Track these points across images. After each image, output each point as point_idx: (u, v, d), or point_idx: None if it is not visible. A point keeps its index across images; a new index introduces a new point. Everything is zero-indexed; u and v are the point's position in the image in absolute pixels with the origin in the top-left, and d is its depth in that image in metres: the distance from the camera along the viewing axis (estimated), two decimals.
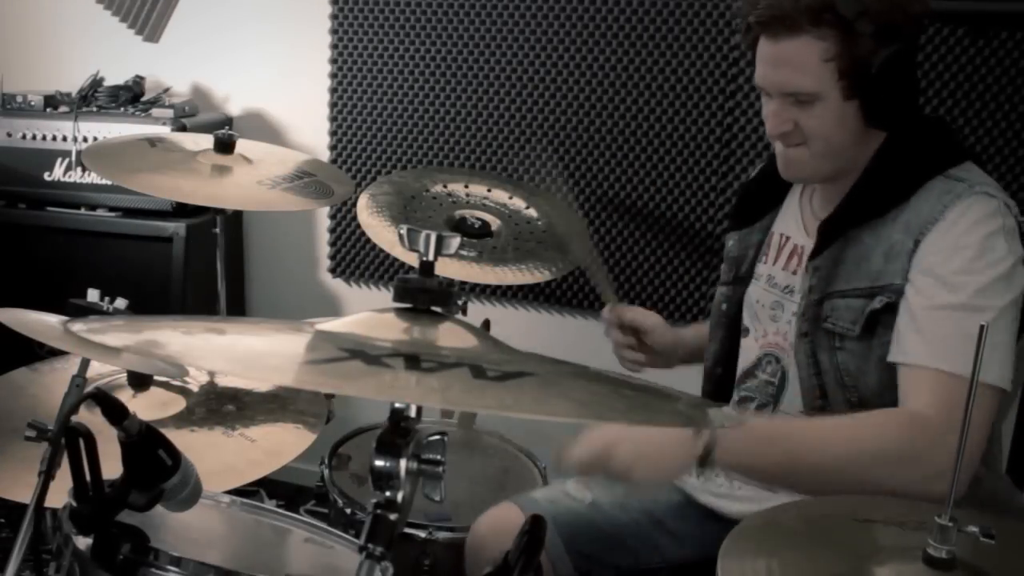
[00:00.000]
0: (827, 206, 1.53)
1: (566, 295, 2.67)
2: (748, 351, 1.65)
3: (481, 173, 2.57)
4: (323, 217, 2.91)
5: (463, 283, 2.27)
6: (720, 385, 1.70)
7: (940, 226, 1.38)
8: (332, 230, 2.90)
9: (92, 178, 2.67)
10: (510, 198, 2.30)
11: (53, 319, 1.56)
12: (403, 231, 1.02)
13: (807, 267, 1.50)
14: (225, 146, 2.19)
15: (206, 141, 2.22)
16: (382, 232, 2.15)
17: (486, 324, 2.28)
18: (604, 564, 1.61)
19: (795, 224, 1.61)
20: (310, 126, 2.86)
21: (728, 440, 1.33)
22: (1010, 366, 1.35)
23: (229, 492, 1.43)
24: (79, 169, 2.69)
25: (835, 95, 1.40)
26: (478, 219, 2.23)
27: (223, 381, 1.84)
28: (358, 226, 2.83)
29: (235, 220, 2.93)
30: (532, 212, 2.29)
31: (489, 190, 2.30)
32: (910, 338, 1.37)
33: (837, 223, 1.48)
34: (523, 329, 2.69)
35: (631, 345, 1.86)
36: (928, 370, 1.34)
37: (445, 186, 2.29)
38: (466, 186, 2.31)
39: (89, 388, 1.55)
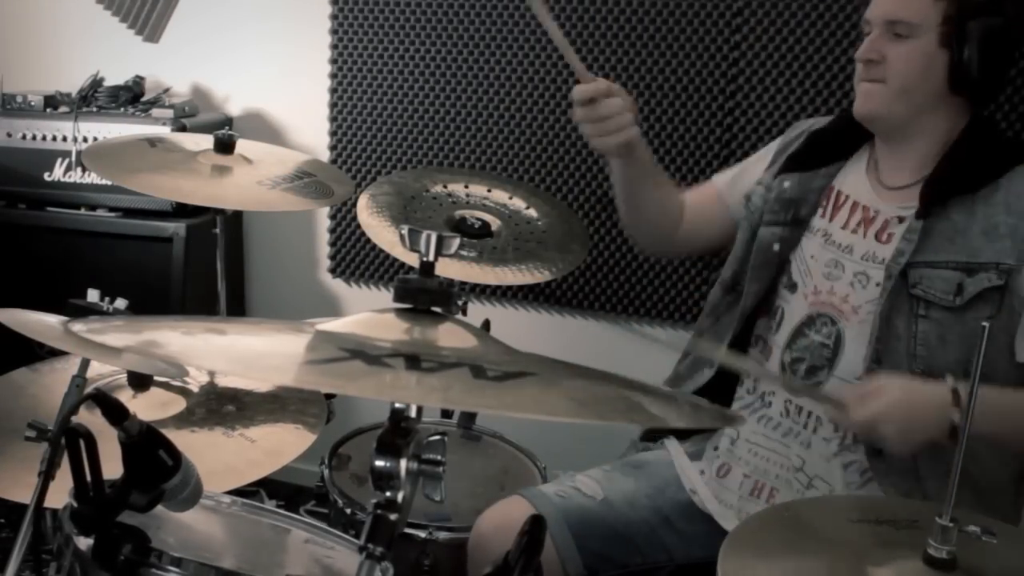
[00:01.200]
0: (895, 174, 1.57)
1: (566, 295, 2.66)
2: (796, 308, 1.62)
3: (481, 173, 2.57)
4: (323, 217, 2.91)
5: (463, 283, 2.27)
6: (749, 330, 1.68)
7: None
8: (332, 230, 2.90)
9: (92, 178, 2.67)
10: (510, 198, 2.30)
11: (53, 319, 1.56)
12: (404, 231, 1.02)
13: (907, 229, 1.51)
14: (225, 146, 2.19)
15: (206, 141, 2.22)
16: (382, 232, 2.15)
17: (486, 324, 2.28)
18: (613, 562, 1.61)
19: (863, 187, 1.61)
20: (310, 126, 2.86)
21: (982, 413, 1.31)
22: None
23: (229, 492, 1.43)
24: (79, 169, 2.69)
25: (931, 37, 1.47)
26: (478, 219, 2.23)
27: (223, 381, 1.84)
28: (358, 226, 2.82)
29: (235, 220, 2.93)
30: (532, 212, 2.29)
31: (489, 190, 2.31)
32: None
33: (940, 187, 1.50)
34: (523, 329, 2.69)
35: (594, 122, 1.68)
36: None
37: (445, 186, 2.29)
38: (466, 186, 2.31)
39: (89, 388, 1.55)
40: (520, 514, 1.61)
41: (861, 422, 1.41)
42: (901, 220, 1.54)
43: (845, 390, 1.49)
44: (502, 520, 1.61)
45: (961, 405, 1.35)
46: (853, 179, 1.63)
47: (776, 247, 1.65)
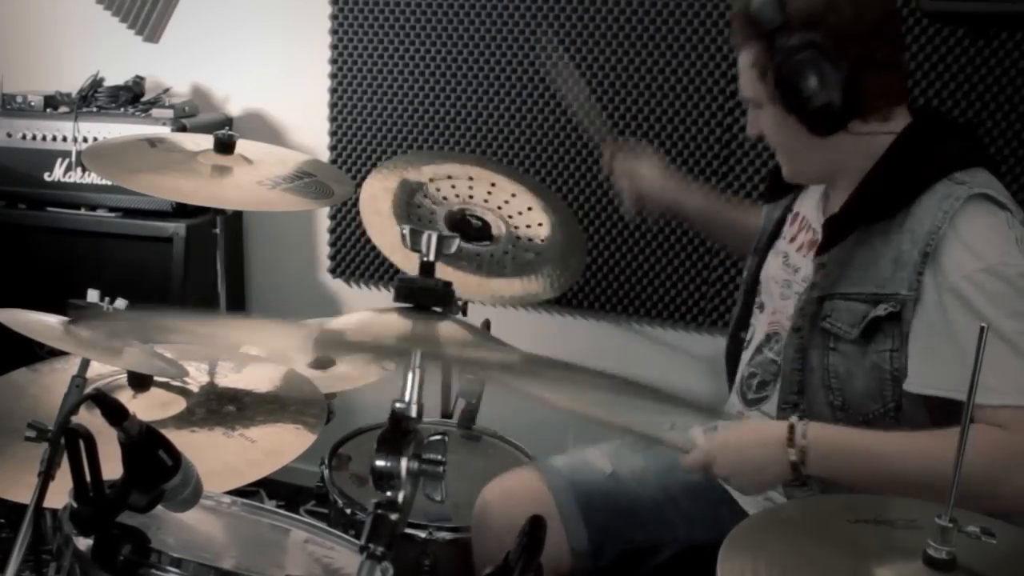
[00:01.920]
0: (836, 202, 1.56)
1: (566, 295, 2.66)
2: (759, 326, 1.68)
3: (486, 161, 2.52)
4: (323, 217, 2.91)
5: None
6: (740, 347, 1.73)
7: (948, 242, 1.38)
8: (332, 230, 2.90)
9: (92, 178, 2.67)
10: (513, 195, 2.26)
11: (53, 319, 1.56)
12: (406, 231, 1.02)
13: (814, 262, 1.52)
14: (225, 146, 2.19)
15: (206, 141, 2.22)
16: (381, 228, 2.12)
17: (486, 324, 2.28)
18: (618, 537, 1.63)
19: (814, 209, 1.63)
20: (310, 126, 2.86)
21: (821, 455, 1.39)
22: None
23: (229, 492, 1.43)
24: (79, 169, 2.69)
25: (766, 101, 1.49)
26: (479, 219, 2.22)
27: (223, 381, 1.84)
28: (358, 226, 2.83)
29: (235, 220, 2.93)
30: (535, 216, 2.24)
31: (493, 184, 2.26)
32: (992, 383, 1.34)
33: (842, 221, 1.49)
34: (523, 329, 2.69)
35: (626, 187, 1.97)
36: (1003, 408, 1.34)
37: (449, 177, 2.25)
38: (470, 178, 2.26)
39: (89, 389, 1.55)
40: (528, 484, 1.65)
41: (692, 464, 1.48)
42: None
43: (692, 433, 1.54)
44: (510, 489, 1.64)
45: (796, 444, 1.39)
46: (810, 201, 1.67)
47: (744, 272, 1.76)
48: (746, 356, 1.70)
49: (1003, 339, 1.32)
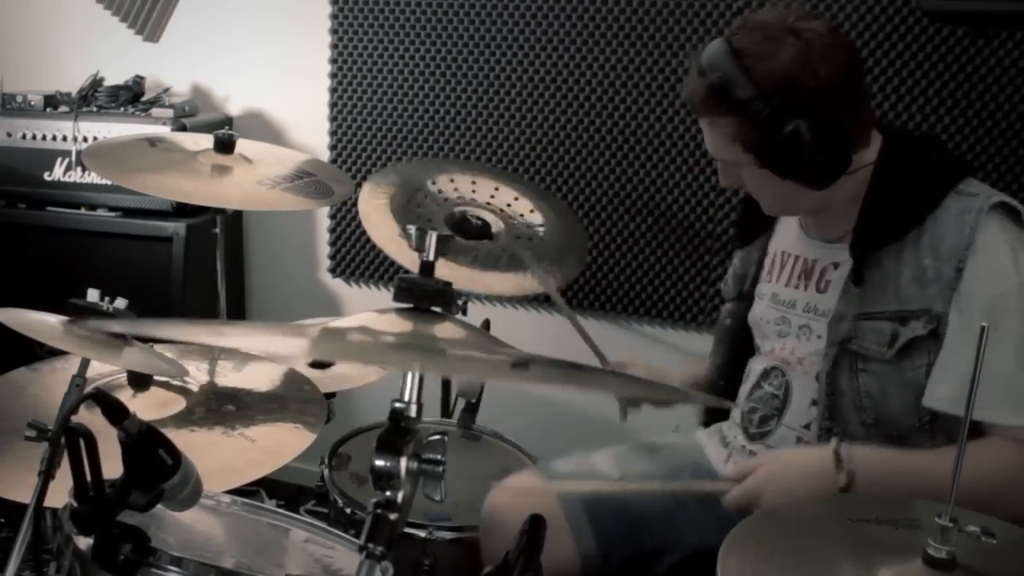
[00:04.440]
0: (829, 228, 1.56)
1: (566, 295, 2.66)
2: (756, 366, 1.68)
3: (492, 169, 2.52)
4: (323, 217, 2.91)
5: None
6: (721, 393, 1.73)
7: (977, 256, 1.39)
8: (332, 230, 2.90)
9: (92, 178, 2.67)
10: (516, 199, 2.26)
11: (53, 319, 1.56)
12: (412, 231, 1.03)
13: (843, 290, 1.51)
14: (225, 146, 2.19)
15: (206, 141, 2.22)
16: (380, 223, 2.11)
17: (486, 324, 2.28)
18: (625, 542, 1.63)
19: (800, 241, 1.63)
20: (310, 126, 2.86)
21: (869, 477, 1.39)
22: None
23: (229, 492, 1.43)
24: (79, 169, 2.69)
25: (752, 165, 1.45)
26: (479, 219, 2.21)
27: (223, 381, 1.84)
28: (358, 226, 2.83)
29: (235, 220, 2.93)
30: (536, 217, 2.24)
31: (497, 188, 2.25)
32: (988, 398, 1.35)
33: (866, 245, 1.48)
34: (523, 329, 2.69)
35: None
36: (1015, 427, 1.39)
37: (451, 180, 2.25)
38: (473, 182, 2.26)
39: (89, 388, 1.55)
40: (535, 489, 1.65)
41: (737, 504, 1.45)
42: (836, 266, 1.54)
43: (728, 468, 1.54)
44: (517, 493, 1.64)
45: (843, 466, 1.38)
46: (789, 237, 1.66)
47: (728, 322, 1.75)
48: (744, 391, 1.69)
49: None
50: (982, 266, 1.38)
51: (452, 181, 2.25)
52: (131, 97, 2.78)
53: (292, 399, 1.79)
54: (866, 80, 1.55)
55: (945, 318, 1.40)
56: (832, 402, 1.51)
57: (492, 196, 2.22)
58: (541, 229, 2.22)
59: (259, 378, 1.86)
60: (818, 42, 1.39)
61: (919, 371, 1.43)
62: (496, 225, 2.20)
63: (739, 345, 1.73)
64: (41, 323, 1.55)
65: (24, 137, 2.72)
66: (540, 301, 2.72)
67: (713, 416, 1.81)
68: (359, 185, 2.70)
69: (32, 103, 2.75)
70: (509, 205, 2.22)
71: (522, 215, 2.22)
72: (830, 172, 1.42)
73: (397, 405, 0.97)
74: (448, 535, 1.76)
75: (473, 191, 2.23)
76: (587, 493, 1.64)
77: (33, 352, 1.67)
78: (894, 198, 1.46)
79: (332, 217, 2.89)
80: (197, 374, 1.83)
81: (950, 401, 1.39)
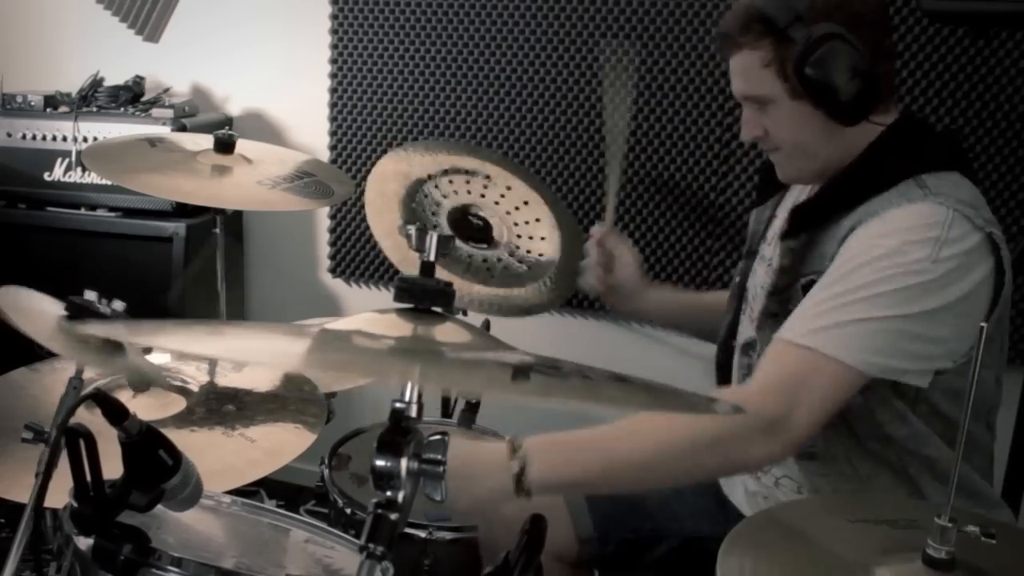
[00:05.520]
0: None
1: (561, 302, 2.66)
2: (745, 328, 1.68)
3: (511, 163, 2.45)
4: (323, 217, 2.91)
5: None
6: (730, 356, 1.72)
7: (872, 222, 1.40)
8: (332, 230, 2.90)
9: (92, 178, 2.67)
10: (525, 203, 2.21)
11: (51, 305, 1.54)
12: (411, 231, 1.03)
13: (780, 246, 1.53)
14: (225, 146, 2.19)
15: (206, 141, 2.22)
16: (384, 211, 2.09)
17: (486, 324, 2.28)
18: (623, 526, 1.63)
19: None
20: (310, 126, 2.86)
21: (540, 457, 1.34)
22: (883, 357, 1.36)
23: (229, 492, 1.43)
24: (79, 169, 2.69)
25: (784, 97, 1.46)
26: (481, 219, 2.20)
27: (223, 381, 1.84)
28: (358, 226, 2.83)
29: (235, 220, 2.93)
30: (540, 228, 2.20)
31: (509, 188, 2.22)
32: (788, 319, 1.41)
33: (807, 211, 1.51)
34: (523, 329, 2.68)
35: (599, 267, 1.92)
36: (779, 341, 1.40)
37: (466, 172, 2.18)
38: (488, 176, 2.20)
39: (89, 388, 1.54)
40: None
41: None
42: None
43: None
44: None
45: (516, 456, 1.34)
46: (791, 203, 1.66)
47: (737, 278, 1.75)
48: (735, 360, 1.70)
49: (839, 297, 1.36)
50: (867, 228, 1.39)
51: (467, 173, 2.18)
52: (131, 97, 2.78)
53: (292, 399, 1.79)
54: (894, 41, 1.56)
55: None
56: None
57: (502, 196, 2.18)
58: (543, 245, 2.18)
59: (259, 378, 1.86)
60: None
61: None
62: (499, 231, 2.18)
63: (742, 303, 1.73)
64: (39, 312, 1.53)
65: (24, 137, 2.72)
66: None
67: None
68: (359, 186, 2.71)
69: (32, 103, 2.75)
70: (517, 209, 2.19)
71: (527, 223, 2.20)
72: (858, 106, 1.43)
73: (397, 405, 0.97)
74: (448, 535, 1.76)
75: (484, 187, 2.18)
76: None
77: (33, 352, 1.67)
78: (861, 172, 1.47)
79: (332, 217, 2.89)
80: (197, 374, 1.83)
81: (787, 328, 1.41)
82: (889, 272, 1.35)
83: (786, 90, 1.45)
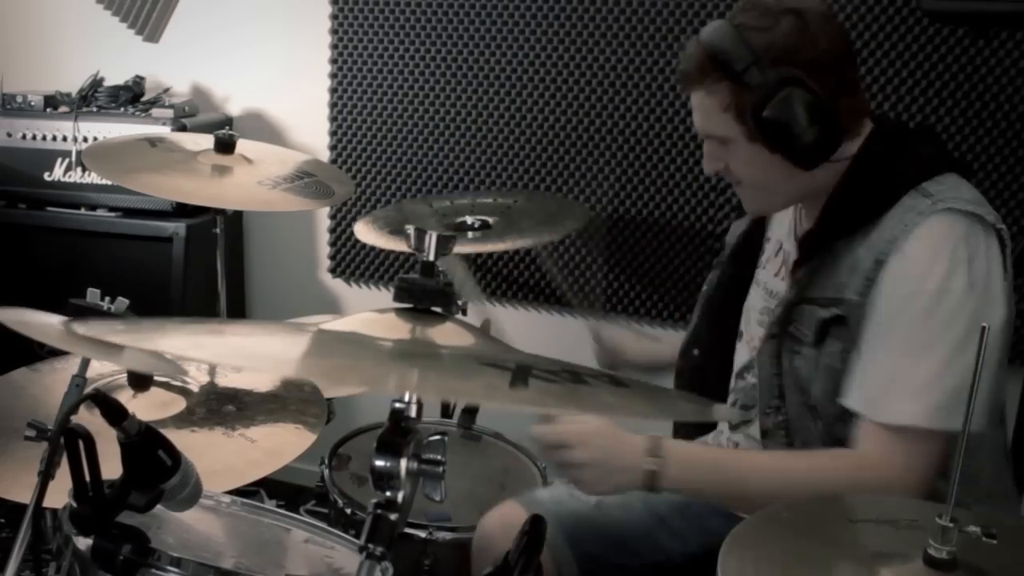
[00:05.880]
0: (810, 220, 1.56)
1: (566, 295, 2.67)
2: (740, 354, 1.68)
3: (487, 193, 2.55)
4: (323, 217, 2.91)
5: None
6: (689, 363, 1.75)
7: (897, 262, 1.38)
8: (332, 230, 2.90)
9: (92, 178, 2.67)
10: (515, 202, 2.26)
11: (54, 319, 1.55)
12: (410, 231, 1.03)
13: (790, 279, 1.53)
14: (225, 146, 2.19)
15: (206, 141, 2.22)
16: (381, 240, 2.16)
17: (486, 324, 2.28)
18: (608, 564, 1.61)
19: (787, 235, 1.63)
20: (310, 126, 2.86)
21: (680, 466, 1.39)
22: (961, 405, 1.34)
23: (229, 492, 1.43)
24: (79, 169, 2.69)
25: (742, 139, 1.45)
26: (479, 220, 2.22)
27: (223, 381, 1.84)
28: None
29: (235, 220, 2.93)
30: (532, 205, 2.26)
31: (495, 200, 2.28)
32: (855, 387, 1.41)
33: (817, 238, 1.49)
34: (523, 329, 2.69)
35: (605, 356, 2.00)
36: (871, 423, 1.39)
37: (451, 202, 2.27)
38: (472, 202, 2.29)
39: (89, 389, 1.54)
40: (517, 518, 1.61)
41: (550, 436, 1.41)
42: None
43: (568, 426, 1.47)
44: (502, 523, 1.62)
45: (656, 456, 1.38)
46: (783, 228, 1.66)
47: (705, 287, 1.77)
48: (731, 383, 1.70)
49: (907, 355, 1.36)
50: (899, 266, 1.38)
51: (451, 203, 2.26)
52: (131, 97, 2.78)
53: (292, 399, 1.79)
54: (859, 69, 1.54)
55: (855, 308, 1.41)
56: (780, 383, 1.51)
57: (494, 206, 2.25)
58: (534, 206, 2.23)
59: (259, 378, 1.86)
60: (816, 19, 1.41)
61: (835, 356, 1.43)
62: (494, 220, 2.22)
63: (713, 315, 1.75)
64: (42, 323, 1.54)
65: (24, 137, 2.72)
66: (540, 301, 2.72)
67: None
68: (359, 185, 2.72)
69: (32, 103, 2.75)
70: (509, 208, 2.23)
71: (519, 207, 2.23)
72: (818, 150, 1.41)
73: (397, 405, 0.97)
74: (448, 535, 1.76)
75: (473, 207, 2.26)
76: (566, 514, 1.62)
77: (33, 352, 1.67)
78: (861, 192, 1.46)
79: (332, 217, 2.89)
80: (197, 374, 1.83)
81: (859, 401, 1.41)
82: (947, 316, 1.35)
83: (744, 133, 1.44)
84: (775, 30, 1.39)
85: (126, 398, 1.72)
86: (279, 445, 1.64)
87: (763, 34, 1.40)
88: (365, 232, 2.25)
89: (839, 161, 1.45)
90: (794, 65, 1.38)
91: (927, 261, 1.37)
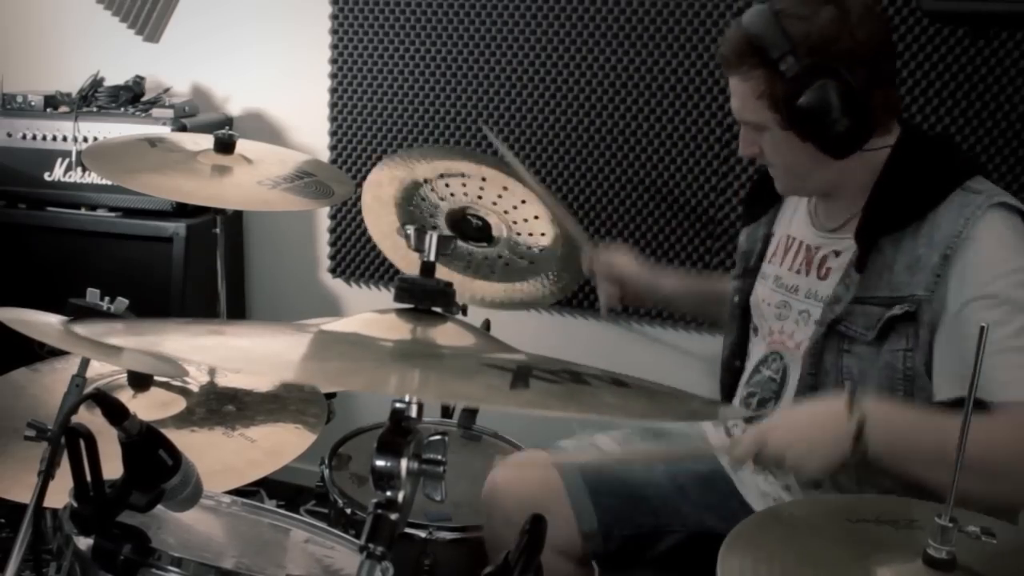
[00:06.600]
0: (830, 217, 1.58)
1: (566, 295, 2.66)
2: (756, 349, 1.69)
3: (507, 166, 2.49)
4: (323, 217, 2.91)
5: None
6: (737, 376, 1.73)
7: (969, 248, 1.39)
8: (332, 230, 2.90)
9: (92, 178, 2.67)
10: (523, 202, 2.22)
11: (54, 319, 1.56)
12: (410, 231, 1.03)
13: (844, 275, 1.51)
14: (225, 146, 2.19)
15: (206, 141, 2.22)
16: (381, 215, 2.10)
17: (486, 324, 2.28)
18: (625, 520, 1.64)
19: (807, 229, 1.63)
20: (310, 126, 2.86)
21: (880, 422, 1.35)
22: None
23: (229, 492, 1.43)
24: (79, 169, 2.69)
25: (775, 127, 1.47)
26: (480, 219, 2.20)
27: (223, 381, 1.84)
28: (358, 226, 2.83)
29: (235, 220, 2.93)
30: (538, 223, 2.21)
31: (506, 188, 2.22)
32: (990, 380, 1.34)
33: (869, 234, 1.49)
34: (523, 329, 2.68)
35: (606, 285, 2.00)
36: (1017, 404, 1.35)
37: (462, 175, 2.20)
38: (483, 179, 2.22)
39: (89, 388, 1.55)
40: (537, 465, 1.66)
41: (743, 453, 1.41)
42: (837, 254, 1.55)
43: (748, 431, 1.49)
44: (519, 469, 1.67)
45: (854, 411, 1.35)
46: (795, 221, 1.67)
47: (736, 299, 1.75)
48: (744, 377, 1.71)
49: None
50: (975, 254, 1.39)
51: (463, 175, 2.21)
52: (131, 97, 2.78)
53: (292, 399, 1.79)
54: (896, 63, 1.55)
55: (925, 303, 1.41)
56: (816, 381, 1.51)
57: (499, 196, 2.20)
58: (543, 240, 2.19)
59: (259, 378, 1.86)
60: (857, 9, 1.42)
61: (896, 355, 1.44)
62: (497, 228, 2.18)
63: (747, 323, 1.74)
64: (41, 323, 1.54)
65: (24, 137, 2.72)
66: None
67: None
68: (359, 186, 2.71)
69: (32, 103, 2.75)
70: (515, 208, 2.19)
71: (526, 220, 2.20)
72: (850, 141, 1.43)
73: (397, 405, 0.97)
74: (448, 535, 1.76)
75: (480, 189, 2.20)
76: (589, 463, 1.65)
77: (33, 352, 1.67)
78: (903, 188, 1.47)
79: (332, 217, 2.89)
80: (197, 374, 1.83)
81: (945, 391, 1.40)
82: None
83: (777, 121, 1.46)
84: (815, 19, 1.41)
85: (126, 398, 1.72)
86: (279, 445, 1.65)
87: (802, 23, 1.41)
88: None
89: (873, 151, 1.47)
90: (830, 55, 1.40)
91: (999, 249, 1.39)
